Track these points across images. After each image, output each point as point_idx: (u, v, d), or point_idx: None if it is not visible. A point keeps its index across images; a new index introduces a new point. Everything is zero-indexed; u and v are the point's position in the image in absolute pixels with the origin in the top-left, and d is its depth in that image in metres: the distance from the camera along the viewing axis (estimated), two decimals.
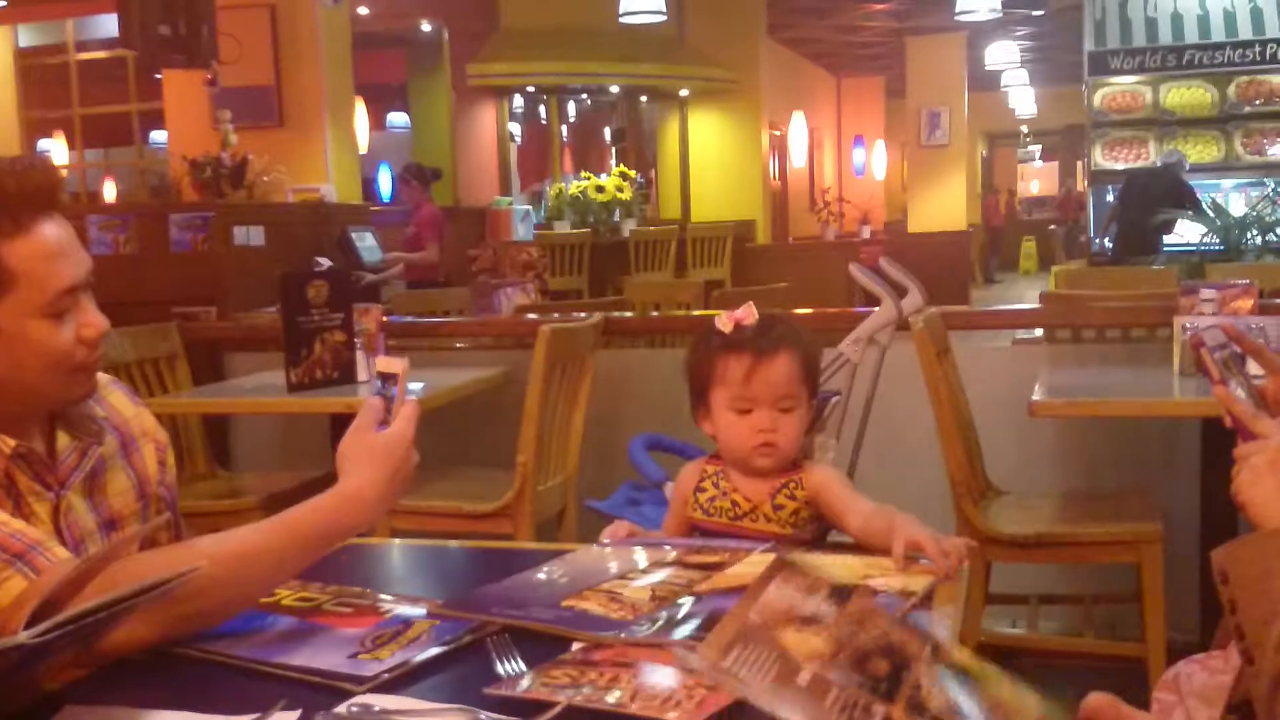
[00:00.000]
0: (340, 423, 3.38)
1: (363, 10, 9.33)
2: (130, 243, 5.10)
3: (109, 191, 10.42)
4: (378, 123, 11.28)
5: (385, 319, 3.50)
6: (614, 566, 1.49)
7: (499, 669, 1.15)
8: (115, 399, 1.58)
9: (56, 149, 10.23)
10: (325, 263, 5.67)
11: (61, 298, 1.37)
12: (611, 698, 1.08)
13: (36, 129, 9.54)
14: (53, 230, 1.36)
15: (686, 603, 1.34)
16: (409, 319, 4.65)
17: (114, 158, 10.71)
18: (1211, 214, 8.30)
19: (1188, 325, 2.93)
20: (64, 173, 9.93)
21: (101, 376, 1.53)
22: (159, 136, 8.89)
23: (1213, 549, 1.18)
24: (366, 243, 6.63)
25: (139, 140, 9.14)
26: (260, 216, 5.60)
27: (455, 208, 9.36)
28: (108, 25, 7.61)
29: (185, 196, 6.21)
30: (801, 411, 1.68)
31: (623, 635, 1.23)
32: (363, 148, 8.86)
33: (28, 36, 8.99)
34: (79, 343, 1.40)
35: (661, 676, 1.14)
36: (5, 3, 8.10)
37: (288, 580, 1.39)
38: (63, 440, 1.46)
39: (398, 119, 11.68)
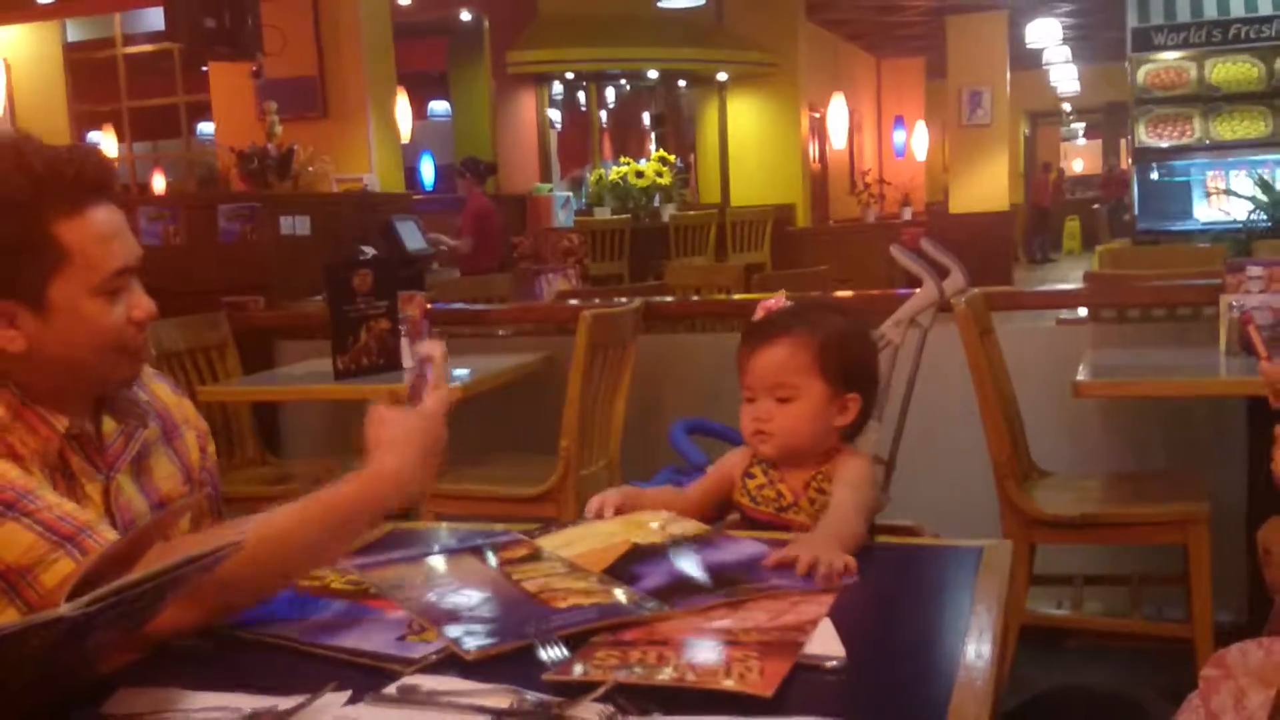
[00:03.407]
0: None
1: (404, 0, 9.36)
2: (179, 233, 5.15)
3: (158, 183, 10.56)
4: (419, 112, 11.33)
5: (429, 306, 3.53)
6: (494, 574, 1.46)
7: (542, 655, 1.16)
8: (157, 387, 1.62)
9: (106, 142, 10.36)
10: (370, 251, 5.71)
11: (113, 278, 1.41)
12: (664, 674, 1.10)
13: (86, 122, 9.66)
14: (106, 214, 1.42)
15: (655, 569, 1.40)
16: (453, 306, 4.68)
17: (162, 150, 10.85)
18: (1259, 189, 8.15)
19: (1234, 303, 2.90)
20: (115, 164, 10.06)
21: (145, 373, 1.57)
22: (206, 128, 8.98)
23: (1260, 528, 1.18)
24: (410, 231, 6.67)
25: (186, 132, 9.25)
26: (306, 206, 5.64)
27: (496, 195, 9.39)
28: (154, 19, 7.70)
29: (233, 187, 6.27)
30: (803, 403, 1.65)
31: (678, 609, 1.28)
32: (405, 137, 8.91)
33: (76, 31, 9.11)
34: (128, 323, 1.44)
35: (706, 650, 1.17)
36: None
37: (327, 562, 1.40)
38: (109, 425, 1.50)
39: (439, 107, 11.73)
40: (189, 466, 1.62)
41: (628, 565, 1.42)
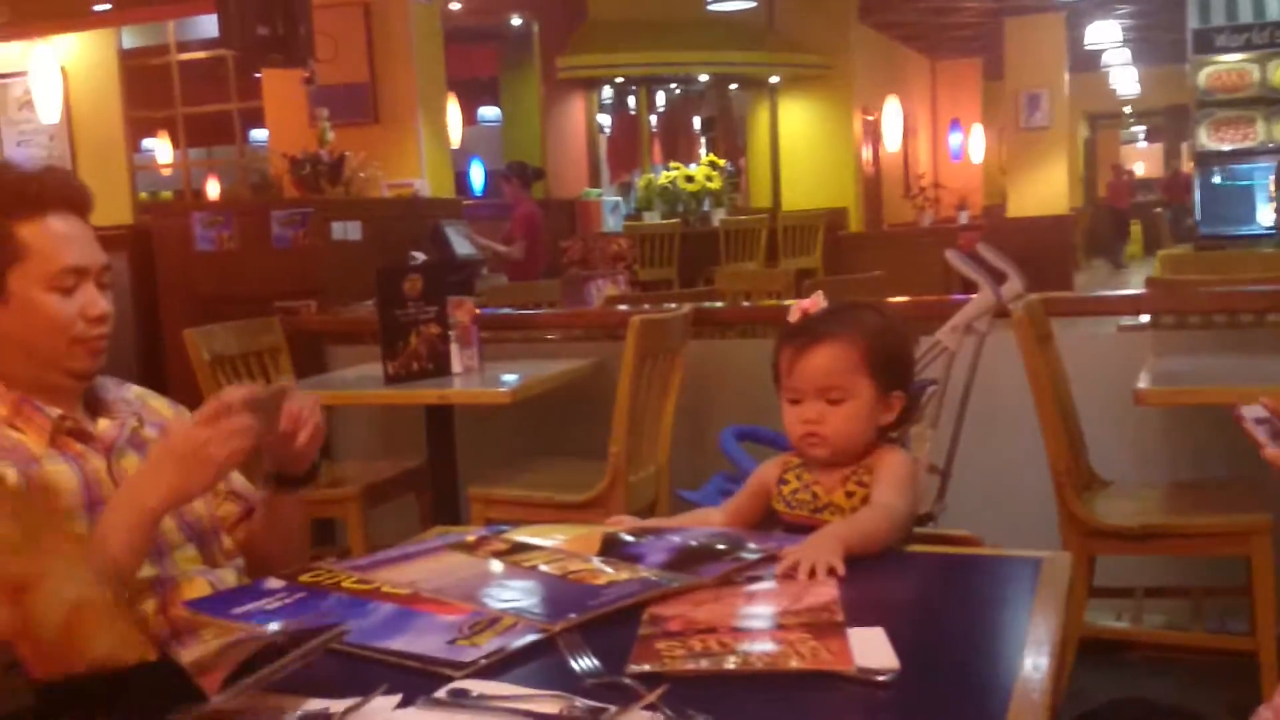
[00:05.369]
0: (435, 413, 3.44)
1: (455, 6, 9.41)
2: (233, 239, 5.20)
3: (212, 189, 10.70)
4: (469, 117, 11.39)
5: (478, 311, 3.53)
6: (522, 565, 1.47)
7: (574, 666, 1.16)
8: (155, 403, 1.77)
9: (161, 148, 10.53)
10: (420, 257, 5.74)
11: (66, 274, 1.58)
12: (734, 661, 1.13)
13: (141, 129, 9.81)
14: (65, 222, 1.60)
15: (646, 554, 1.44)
16: (502, 311, 4.69)
17: (216, 156, 11.00)
18: None
19: None
20: (166, 171, 10.20)
21: (140, 389, 1.75)
22: (259, 134, 9.09)
23: None
24: (459, 236, 6.70)
25: (240, 138, 9.36)
26: (357, 212, 5.68)
27: (545, 200, 9.42)
28: (208, 26, 7.81)
29: (286, 193, 6.33)
30: (855, 403, 1.64)
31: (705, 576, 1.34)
32: (455, 142, 8.96)
33: (131, 38, 9.25)
34: (79, 316, 1.58)
35: (761, 635, 1.19)
36: (110, 5, 8.35)
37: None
38: (102, 424, 1.65)
39: (489, 113, 11.79)
40: None
41: (619, 550, 1.45)
